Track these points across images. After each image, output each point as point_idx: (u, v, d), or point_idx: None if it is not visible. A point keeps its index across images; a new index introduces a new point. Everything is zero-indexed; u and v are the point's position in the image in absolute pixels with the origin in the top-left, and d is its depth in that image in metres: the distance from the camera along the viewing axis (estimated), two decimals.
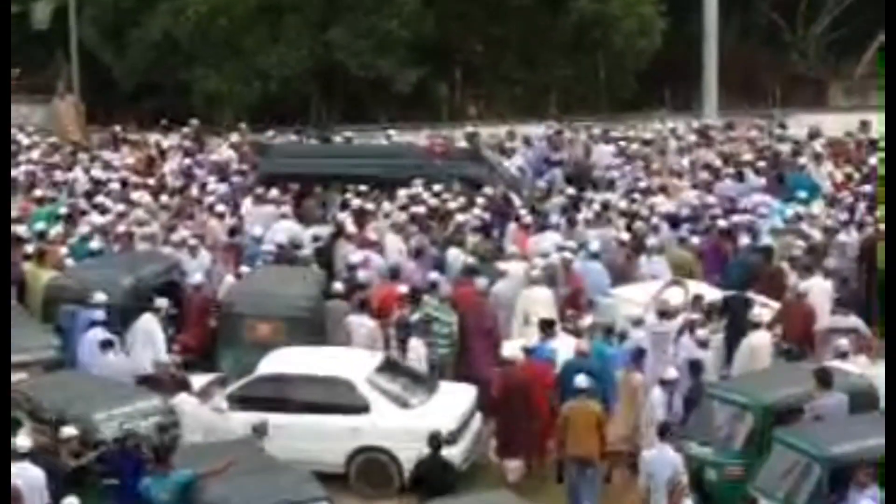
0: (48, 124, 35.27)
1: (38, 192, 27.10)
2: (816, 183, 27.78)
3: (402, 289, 21.93)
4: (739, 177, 28.19)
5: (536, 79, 39.85)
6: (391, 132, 33.41)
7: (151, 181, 28.68)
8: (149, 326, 20.77)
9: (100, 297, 20.65)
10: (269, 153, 30.08)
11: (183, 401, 18.33)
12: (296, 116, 36.35)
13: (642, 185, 28.08)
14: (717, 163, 29.47)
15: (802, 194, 26.55)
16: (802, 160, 29.06)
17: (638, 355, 19.44)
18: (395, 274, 22.80)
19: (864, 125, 32.72)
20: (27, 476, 16.02)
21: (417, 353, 20.61)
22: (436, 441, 17.68)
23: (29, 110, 36.68)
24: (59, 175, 29.09)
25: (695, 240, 24.13)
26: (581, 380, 18.47)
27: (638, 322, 20.47)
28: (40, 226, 24.57)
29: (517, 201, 26.95)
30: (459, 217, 25.47)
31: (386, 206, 26.03)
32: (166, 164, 30.25)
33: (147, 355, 20.46)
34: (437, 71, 39.23)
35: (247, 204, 26.85)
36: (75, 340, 20.39)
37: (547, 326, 20.57)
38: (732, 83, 38.66)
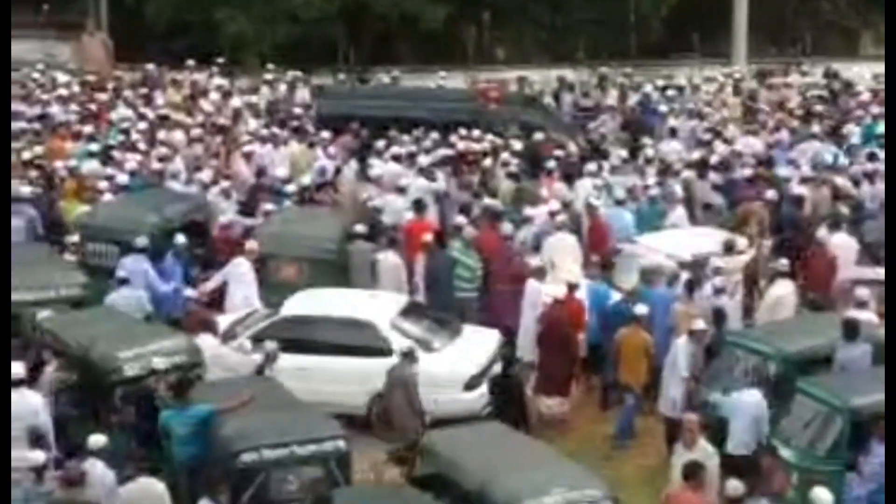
0: (76, 61, 35.26)
1: (81, 129, 27.21)
2: (877, 133, 27.69)
3: (429, 231, 21.97)
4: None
5: (564, 23, 39.67)
6: (443, 73, 33.39)
7: (197, 119, 28.60)
8: (241, 269, 20.77)
9: (141, 241, 20.79)
10: (326, 94, 30.15)
11: (203, 341, 18.40)
12: (323, 57, 36.27)
13: (706, 136, 27.99)
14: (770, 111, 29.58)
15: (855, 140, 26.57)
16: (875, 110, 29.07)
17: (690, 287, 19.64)
18: (419, 207, 22.90)
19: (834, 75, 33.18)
20: (21, 402, 16.12)
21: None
22: (509, 351, 17.84)
23: (57, 47, 36.71)
24: (113, 115, 29.12)
25: (770, 193, 23.87)
26: (640, 308, 18.86)
27: (693, 265, 20.51)
28: (72, 163, 24.67)
29: (572, 147, 26.89)
30: (487, 162, 25.45)
31: (412, 149, 26.02)
32: (205, 103, 30.21)
33: (240, 296, 20.63)
34: (465, 12, 39.05)
35: (293, 145, 26.82)
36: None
37: (606, 265, 20.64)
38: (762, 30, 38.43)
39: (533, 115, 28.82)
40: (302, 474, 15.24)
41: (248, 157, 25.77)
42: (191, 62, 32.80)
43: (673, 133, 28.17)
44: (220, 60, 33.20)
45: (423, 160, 25.42)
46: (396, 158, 25.58)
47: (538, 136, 27.11)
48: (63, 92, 30.36)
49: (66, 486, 14.65)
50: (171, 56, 34.02)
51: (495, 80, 32.45)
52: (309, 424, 15.88)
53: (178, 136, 27.11)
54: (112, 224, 21.59)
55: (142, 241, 20.71)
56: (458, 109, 28.52)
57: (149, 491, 14.87)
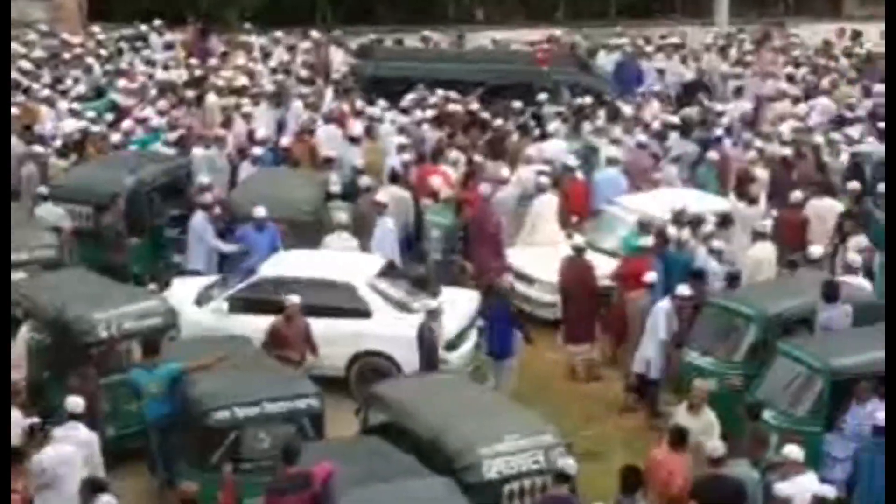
0: (49, 20, 34.86)
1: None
2: None
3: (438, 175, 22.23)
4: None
5: None
6: (497, 36, 33.12)
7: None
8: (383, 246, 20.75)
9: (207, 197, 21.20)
10: (378, 56, 29.91)
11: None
12: (301, 17, 35.98)
13: (766, 92, 27.90)
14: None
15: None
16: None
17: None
18: (434, 155, 23.33)
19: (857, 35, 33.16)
20: None
21: None
22: None
23: (30, 6, 36.24)
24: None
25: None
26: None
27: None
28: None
29: (625, 109, 26.69)
30: (498, 121, 25.31)
31: (388, 115, 25.75)
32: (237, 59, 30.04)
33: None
34: None
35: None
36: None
37: (644, 225, 20.54)
38: None
39: (586, 77, 28.66)
40: (275, 432, 15.20)
41: (225, 124, 25.32)
42: (158, 22, 32.42)
43: (738, 92, 27.96)
44: (191, 19, 32.77)
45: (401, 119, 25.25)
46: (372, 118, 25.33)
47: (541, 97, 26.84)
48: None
49: None
50: (143, 15, 33.64)
51: (545, 41, 32.12)
52: (281, 383, 15.90)
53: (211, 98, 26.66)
54: (87, 185, 21.39)
55: (207, 198, 21.00)
56: (514, 72, 28.36)
57: (75, 438, 14.68)
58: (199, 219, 20.91)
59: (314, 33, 32.19)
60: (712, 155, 23.75)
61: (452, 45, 33.32)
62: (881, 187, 21.44)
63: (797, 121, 25.86)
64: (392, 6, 38.23)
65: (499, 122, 25.34)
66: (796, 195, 21.63)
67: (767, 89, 28.14)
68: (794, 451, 14.53)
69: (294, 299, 18.03)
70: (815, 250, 19.83)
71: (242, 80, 27.85)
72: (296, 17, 35.68)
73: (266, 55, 30.79)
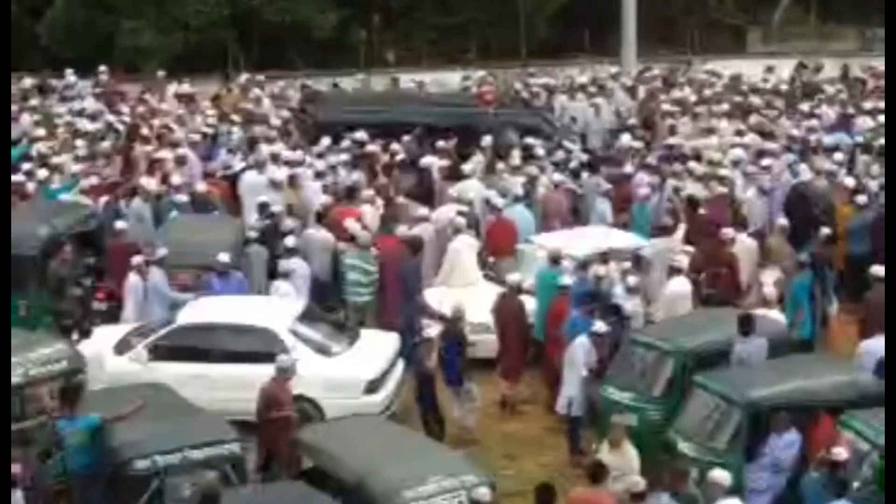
0: None
1: None
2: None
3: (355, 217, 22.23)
4: None
5: (453, 23, 39.74)
6: (415, 78, 33.39)
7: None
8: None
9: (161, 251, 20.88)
10: (324, 101, 29.87)
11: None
12: (215, 64, 36.04)
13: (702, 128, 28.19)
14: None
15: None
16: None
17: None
18: (350, 193, 23.39)
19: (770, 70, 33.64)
20: None
21: None
22: None
23: None
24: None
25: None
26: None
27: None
28: None
29: (574, 149, 26.83)
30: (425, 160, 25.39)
31: (307, 159, 25.83)
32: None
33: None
34: (356, 16, 39.01)
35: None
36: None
37: (555, 258, 20.74)
38: (651, 28, 38.67)
39: (533, 119, 28.81)
40: (196, 479, 15.18)
41: (150, 170, 25.23)
42: (69, 71, 32.31)
43: (672, 131, 28.13)
44: (103, 68, 32.65)
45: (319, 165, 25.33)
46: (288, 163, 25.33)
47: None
48: None
49: None
50: (57, 64, 33.52)
51: (486, 84, 32.31)
52: (201, 429, 15.88)
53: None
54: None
55: (161, 251, 20.81)
56: (460, 114, 28.40)
57: None
58: (157, 274, 20.67)
59: (243, 78, 32.21)
60: (643, 191, 23.98)
61: (386, 87, 33.44)
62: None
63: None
64: (303, 51, 38.35)
65: (425, 161, 25.47)
66: (726, 231, 21.83)
67: (704, 126, 28.43)
68: (720, 474, 14.74)
69: (286, 360, 17.70)
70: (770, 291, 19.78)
71: (172, 127, 27.82)
72: (210, 64, 35.75)
73: (192, 101, 30.77)
